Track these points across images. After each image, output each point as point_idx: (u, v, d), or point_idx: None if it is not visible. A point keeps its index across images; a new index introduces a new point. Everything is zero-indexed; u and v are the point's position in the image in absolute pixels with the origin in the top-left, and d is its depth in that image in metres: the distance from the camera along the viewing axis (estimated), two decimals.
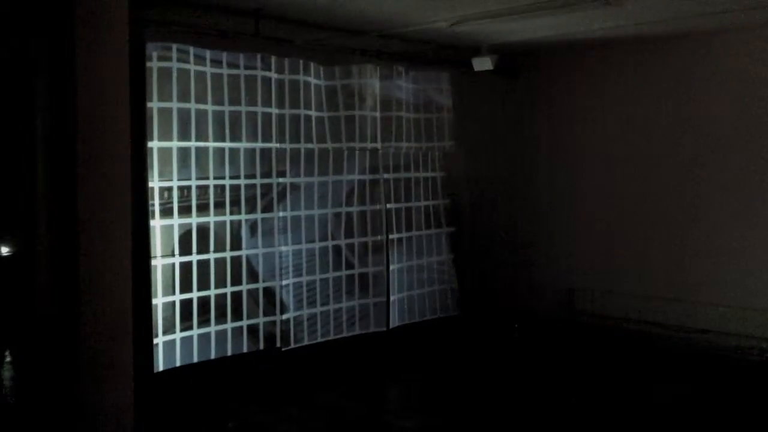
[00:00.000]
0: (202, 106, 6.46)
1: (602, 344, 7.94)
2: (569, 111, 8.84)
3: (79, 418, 3.08)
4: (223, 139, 6.64)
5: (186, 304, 6.38)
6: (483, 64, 7.92)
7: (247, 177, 6.83)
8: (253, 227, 6.91)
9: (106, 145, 3.22)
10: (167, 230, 6.28)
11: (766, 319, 7.35)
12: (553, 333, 8.39)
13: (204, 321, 6.51)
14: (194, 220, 6.47)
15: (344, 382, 6.77)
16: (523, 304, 8.92)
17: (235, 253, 6.75)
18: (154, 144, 6.11)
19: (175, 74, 6.24)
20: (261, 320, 6.91)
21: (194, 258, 6.45)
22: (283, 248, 7.09)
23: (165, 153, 6.24)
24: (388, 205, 7.97)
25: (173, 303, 6.30)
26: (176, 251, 6.34)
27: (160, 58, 6.15)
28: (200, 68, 6.43)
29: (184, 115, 6.35)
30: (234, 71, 6.69)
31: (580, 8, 6.26)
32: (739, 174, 7.59)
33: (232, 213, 6.74)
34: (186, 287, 6.38)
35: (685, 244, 7.97)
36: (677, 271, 8.02)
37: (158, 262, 6.15)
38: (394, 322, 7.96)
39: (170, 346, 6.23)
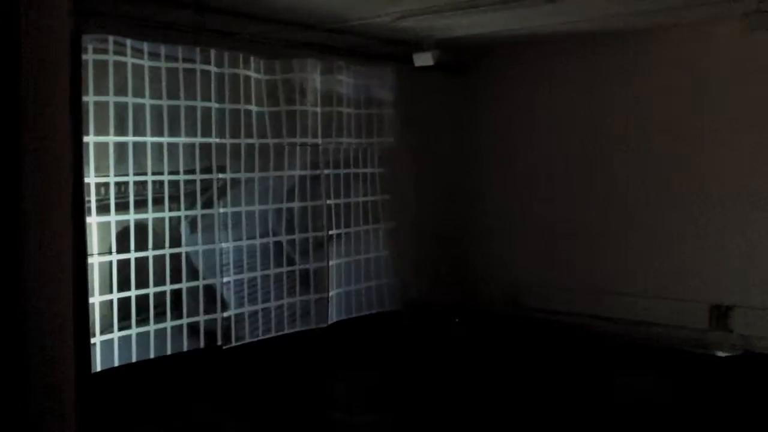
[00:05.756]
0: (139, 100, 6.31)
1: (545, 338, 8.05)
2: (515, 108, 8.89)
3: (21, 419, 2.98)
4: (161, 134, 6.49)
5: (124, 303, 6.23)
6: (424, 59, 7.92)
7: (186, 172, 6.70)
8: (192, 223, 6.79)
9: (46, 140, 3.11)
10: (104, 227, 6.12)
11: (711, 311, 7.53)
12: (495, 328, 8.47)
13: (143, 320, 6.37)
14: (132, 216, 6.32)
15: (289, 378, 6.72)
16: (465, 300, 8.98)
17: (175, 250, 6.62)
18: (90, 139, 5.94)
19: (111, 67, 6.08)
20: (201, 318, 6.80)
21: (132, 255, 6.31)
22: (224, 245, 6.98)
23: (101, 148, 6.08)
24: (328, 201, 7.93)
25: (111, 301, 6.15)
26: (113, 248, 6.19)
27: (96, 51, 5.97)
28: (138, 61, 6.27)
29: (120, 109, 6.19)
30: (172, 64, 6.55)
31: (523, 4, 6.31)
32: (678, 168, 7.78)
33: (171, 209, 6.61)
34: (124, 285, 6.24)
35: (628, 238, 8.12)
36: (620, 264, 8.14)
37: (95, 260, 6.00)
38: (332, 317, 7.92)
39: (108, 345, 6.09)
